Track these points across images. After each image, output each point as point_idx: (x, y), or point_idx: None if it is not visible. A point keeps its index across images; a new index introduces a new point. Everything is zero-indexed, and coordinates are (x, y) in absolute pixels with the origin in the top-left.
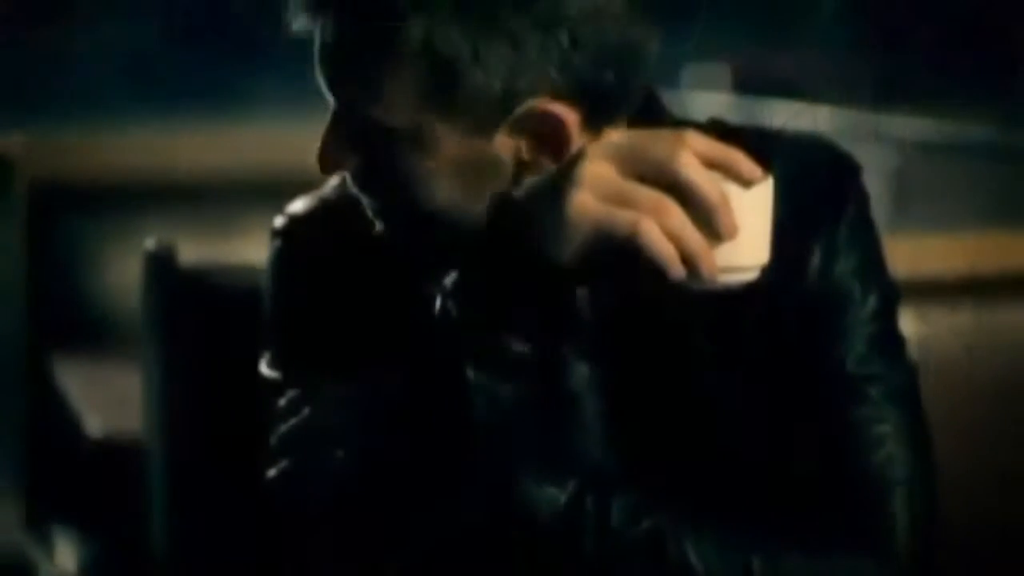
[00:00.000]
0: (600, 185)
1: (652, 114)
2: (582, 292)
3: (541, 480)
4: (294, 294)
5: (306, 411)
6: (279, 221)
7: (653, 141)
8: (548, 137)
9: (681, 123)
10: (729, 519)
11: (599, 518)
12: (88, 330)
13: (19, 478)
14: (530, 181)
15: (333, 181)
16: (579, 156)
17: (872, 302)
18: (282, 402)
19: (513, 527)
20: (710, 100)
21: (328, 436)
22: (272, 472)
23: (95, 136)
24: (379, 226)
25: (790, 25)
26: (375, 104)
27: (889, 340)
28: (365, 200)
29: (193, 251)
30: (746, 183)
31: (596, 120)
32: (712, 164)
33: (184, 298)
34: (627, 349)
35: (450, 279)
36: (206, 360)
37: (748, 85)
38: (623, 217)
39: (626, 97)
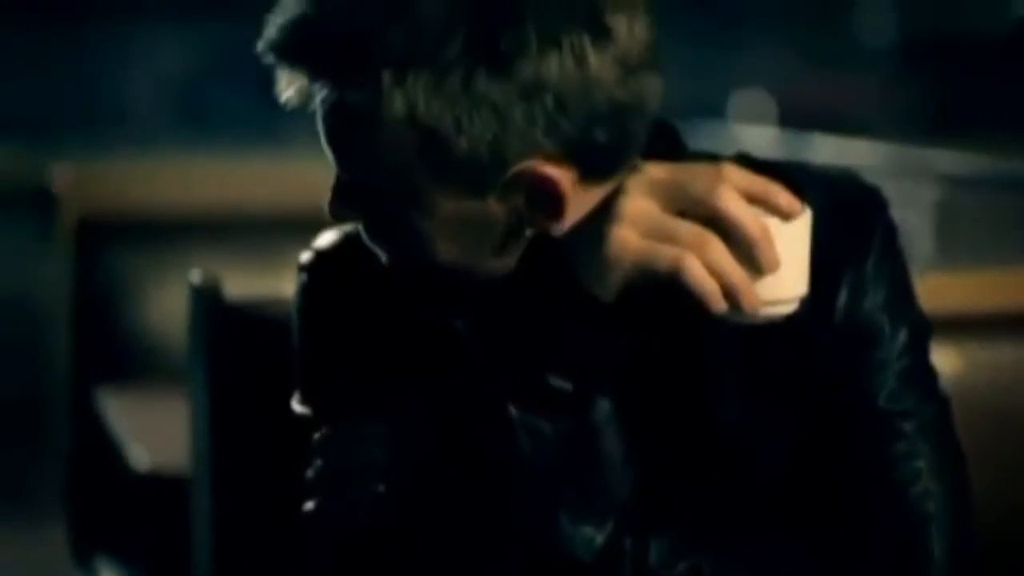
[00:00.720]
0: (642, 221)
1: (668, 149)
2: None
3: (578, 519)
4: (322, 330)
5: (340, 447)
6: (305, 256)
7: (693, 175)
8: (542, 197)
9: (702, 157)
10: (766, 557)
11: (637, 558)
12: (133, 362)
13: (64, 510)
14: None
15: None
16: (619, 192)
17: (902, 337)
18: (316, 437)
19: (551, 565)
20: (753, 132)
21: (364, 472)
22: (307, 507)
23: (142, 168)
24: (393, 274)
25: (835, 59)
26: (367, 170)
27: (921, 374)
28: (375, 247)
29: (239, 284)
30: (785, 216)
31: (593, 174)
32: (751, 197)
33: (230, 331)
34: (651, 385)
35: (489, 315)
36: (251, 393)
37: (792, 118)
38: (666, 252)
39: (622, 150)
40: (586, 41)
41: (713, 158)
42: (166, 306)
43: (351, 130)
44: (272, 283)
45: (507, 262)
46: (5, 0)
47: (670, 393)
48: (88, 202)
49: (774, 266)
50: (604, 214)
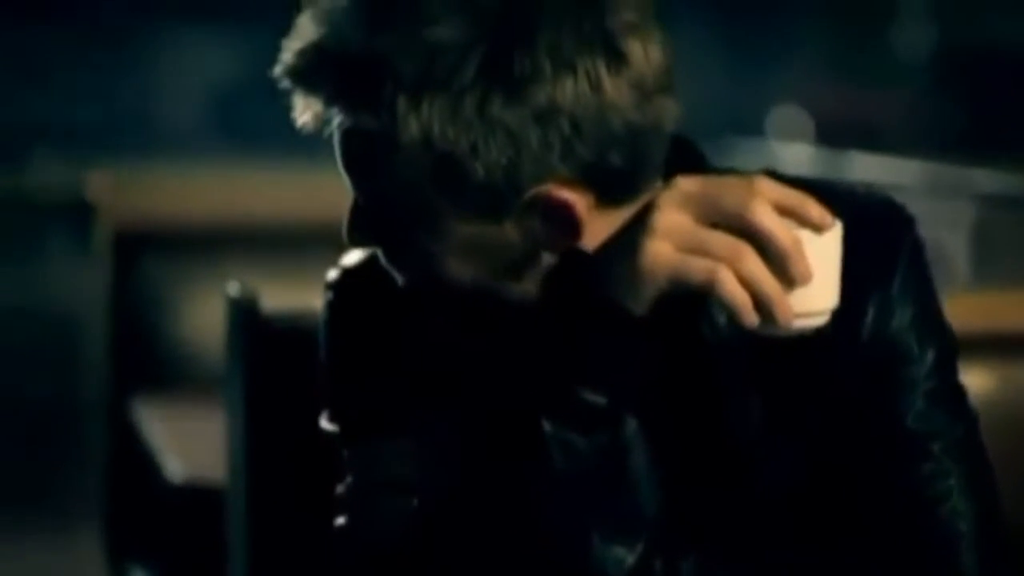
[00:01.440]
0: (676, 233)
1: (690, 165)
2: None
3: (610, 538)
4: (349, 347)
5: (371, 463)
6: (332, 274)
7: (726, 188)
8: (559, 221)
9: (723, 172)
10: None
11: None
12: (170, 372)
13: (100, 521)
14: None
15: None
16: (653, 205)
17: (930, 356)
18: (346, 453)
19: None
20: (789, 150)
21: (395, 488)
22: (338, 523)
23: (180, 179)
24: (407, 292)
25: (871, 75)
26: (383, 194)
27: (949, 394)
28: (392, 271)
29: (275, 296)
30: (817, 229)
31: (610, 198)
32: (783, 210)
33: (266, 343)
34: (674, 400)
35: (521, 329)
36: (287, 405)
37: (828, 135)
38: (700, 265)
39: (641, 174)
40: (601, 66)
41: (735, 174)
42: (203, 317)
43: (366, 154)
44: (308, 295)
45: (525, 287)
46: (45, 10)
47: (693, 409)
48: (126, 212)
49: (806, 278)
50: (637, 227)
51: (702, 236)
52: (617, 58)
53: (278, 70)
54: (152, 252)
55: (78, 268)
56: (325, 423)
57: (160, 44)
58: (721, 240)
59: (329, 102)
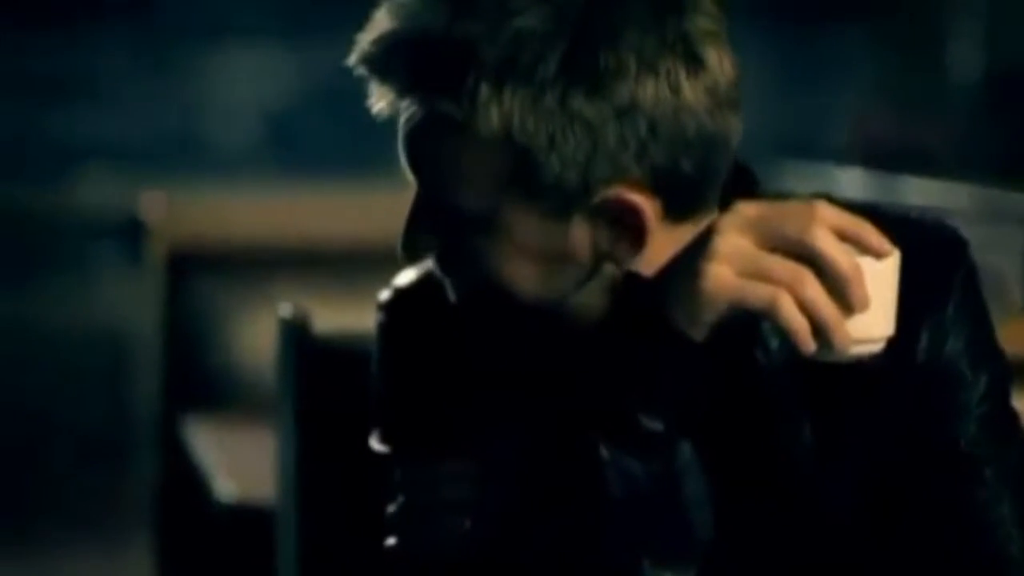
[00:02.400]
0: (737, 258)
1: (746, 190)
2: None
3: (660, 563)
4: (402, 368)
5: (423, 485)
6: (384, 295)
7: (787, 213)
8: (626, 226)
9: (779, 197)
10: None
11: None
12: (221, 392)
13: (151, 541)
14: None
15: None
16: (714, 230)
17: (983, 381)
18: (397, 474)
19: None
20: (839, 173)
21: (447, 509)
22: (389, 544)
23: (232, 199)
24: (461, 309)
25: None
26: (453, 188)
27: (1002, 418)
28: (446, 282)
29: (327, 316)
30: (875, 255)
31: (677, 209)
32: (843, 236)
33: (318, 364)
34: (730, 426)
35: (581, 354)
36: (339, 426)
37: (877, 158)
38: (761, 291)
39: (706, 187)
40: (680, 69)
41: (791, 198)
42: (254, 337)
43: (440, 144)
44: (359, 316)
45: (583, 299)
46: (99, 29)
47: (746, 432)
48: (178, 232)
49: (864, 304)
50: (698, 251)
51: (763, 261)
52: (695, 63)
53: (353, 59)
54: (204, 272)
55: (130, 288)
56: (376, 444)
57: (214, 63)
58: (782, 265)
59: (406, 90)
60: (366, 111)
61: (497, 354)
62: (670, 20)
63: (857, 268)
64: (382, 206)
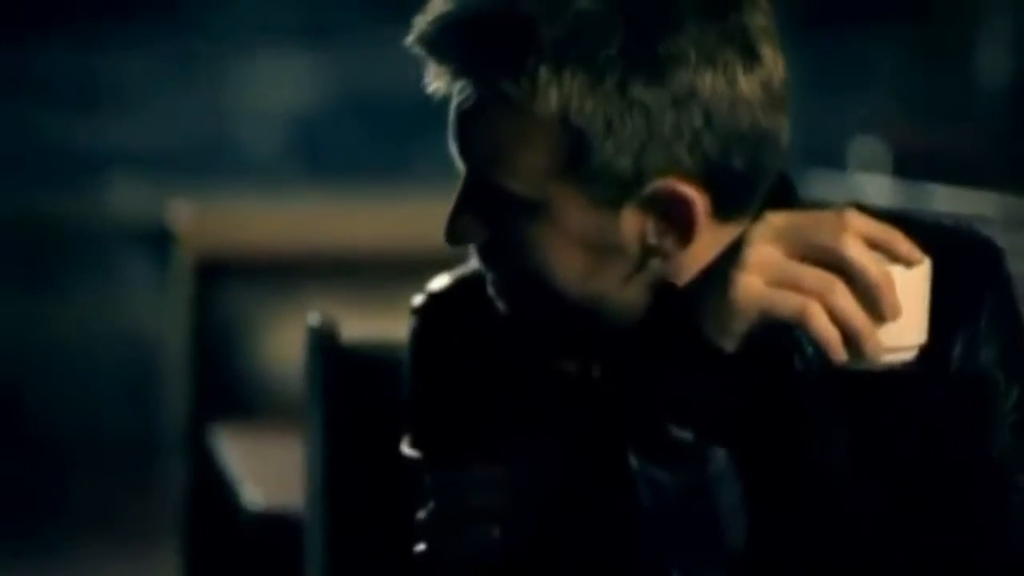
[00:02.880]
0: (767, 267)
1: (783, 198)
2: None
3: (691, 574)
4: (435, 373)
5: (453, 491)
6: (419, 299)
7: (817, 222)
8: (676, 219)
9: (814, 205)
10: None
11: None
12: (250, 401)
13: (179, 549)
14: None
15: (475, 261)
16: (743, 240)
17: (1016, 391)
18: (428, 480)
19: None
20: (869, 181)
21: (477, 516)
22: (419, 550)
23: (261, 208)
24: (502, 305)
25: (951, 104)
26: (504, 171)
27: None
28: (489, 276)
29: (356, 325)
30: (906, 264)
31: (724, 207)
32: (873, 245)
33: (346, 373)
34: (764, 434)
35: (610, 363)
36: (367, 434)
37: (907, 166)
38: (791, 300)
39: (755, 186)
40: (737, 62)
41: (825, 207)
42: (283, 345)
43: (494, 126)
44: (388, 324)
45: (627, 297)
46: (127, 37)
47: (780, 439)
48: (207, 241)
49: (896, 313)
50: (728, 261)
51: (793, 270)
52: (752, 57)
53: (410, 38)
54: (232, 281)
55: (159, 296)
56: (407, 449)
57: (242, 70)
58: (812, 274)
59: (463, 70)
60: (394, 119)
61: (532, 355)
62: (730, 13)
63: (887, 276)
64: (410, 213)
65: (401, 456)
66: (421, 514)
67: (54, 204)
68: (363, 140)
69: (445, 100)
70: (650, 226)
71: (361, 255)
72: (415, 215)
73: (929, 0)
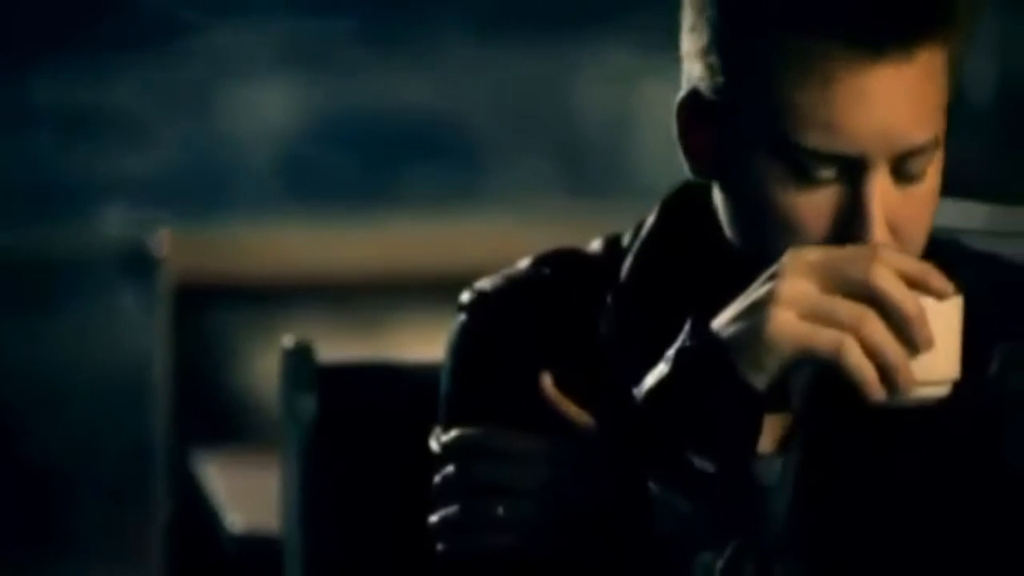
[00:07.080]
0: (801, 302)
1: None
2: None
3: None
4: (479, 370)
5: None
6: (466, 296)
7: (849, 256)
8: None
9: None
10: None
11: None
12: (232, 426)
13: (161, 572)
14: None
15: (523, 263)
16: (776, 274)
17: None
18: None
19: None
20: None
21: (492, 526)
22: (433, 518)
23: (242, 234)
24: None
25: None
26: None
27: None
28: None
29: (337, 349)
30: (938, 296)
31: None
32: (905, 278)
33: (322, 396)
34: (814, 444)
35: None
36: (344, 457)
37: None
38: (826, 336)
39: None
40: None
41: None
42: (265, 371)
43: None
44: (371, 347)
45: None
46: (109, 66)
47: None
48: (189, 267)
49: (929, 345)
50: (761, 296)
51: (827, 304)
52: None
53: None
54: (215, 306)
55: (141, 322)
56: (435, 445)
57: (227, 98)
58: (846, 307)
59: (913, 35)
60: (377, 146)
61: (577, 359)
62: None
63: (921, 308)
64: (394, 239)
65: (380, 478)
66: (434, 517)
67: (37, 230)
68: (347, 166)
69: (430, 125)
70: None
71: (345, 281)
72: (399, 241)
73: None
